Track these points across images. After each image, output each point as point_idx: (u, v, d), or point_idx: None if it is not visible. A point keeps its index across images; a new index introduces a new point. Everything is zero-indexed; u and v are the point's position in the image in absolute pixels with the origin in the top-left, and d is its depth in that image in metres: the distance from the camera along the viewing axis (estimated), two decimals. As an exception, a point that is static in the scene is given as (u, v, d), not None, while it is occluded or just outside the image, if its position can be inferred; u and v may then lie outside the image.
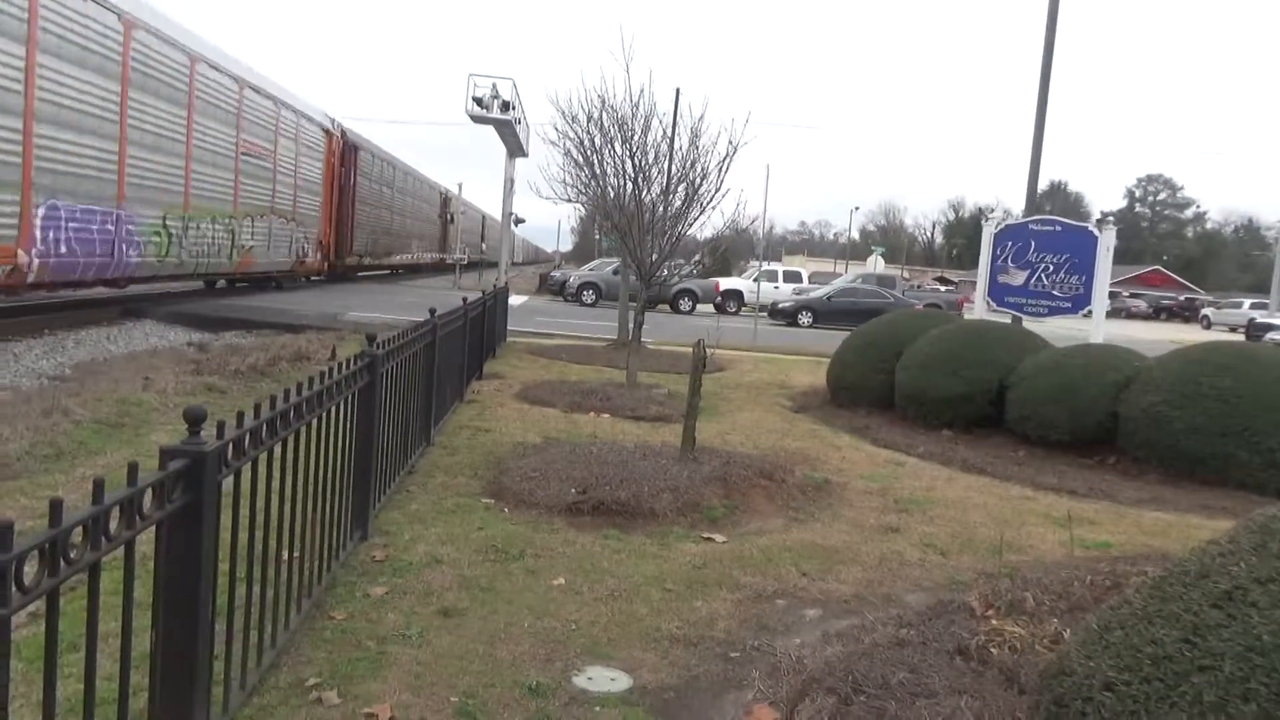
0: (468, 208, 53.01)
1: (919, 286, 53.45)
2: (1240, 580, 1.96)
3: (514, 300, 26.62)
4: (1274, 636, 1.75)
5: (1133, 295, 63.63)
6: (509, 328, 16.03)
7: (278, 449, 3.07)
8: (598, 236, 36.46)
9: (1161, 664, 1.92)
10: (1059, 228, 11.66)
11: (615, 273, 22.82)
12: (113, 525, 1.90)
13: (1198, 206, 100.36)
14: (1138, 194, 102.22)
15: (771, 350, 17.51)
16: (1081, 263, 11.17)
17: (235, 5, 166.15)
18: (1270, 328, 31.85)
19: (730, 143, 10.33)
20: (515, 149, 31.41)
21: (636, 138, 10.56)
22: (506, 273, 33.95)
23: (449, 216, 45.87)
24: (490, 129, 29.85)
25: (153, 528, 2.17)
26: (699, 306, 30.08)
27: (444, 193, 46.21)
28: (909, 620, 3.95)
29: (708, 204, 10.54)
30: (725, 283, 32.47)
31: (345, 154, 25.37)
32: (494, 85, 27.74)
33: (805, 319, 27.63)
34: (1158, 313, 59.24)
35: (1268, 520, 2.16)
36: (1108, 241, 11.19)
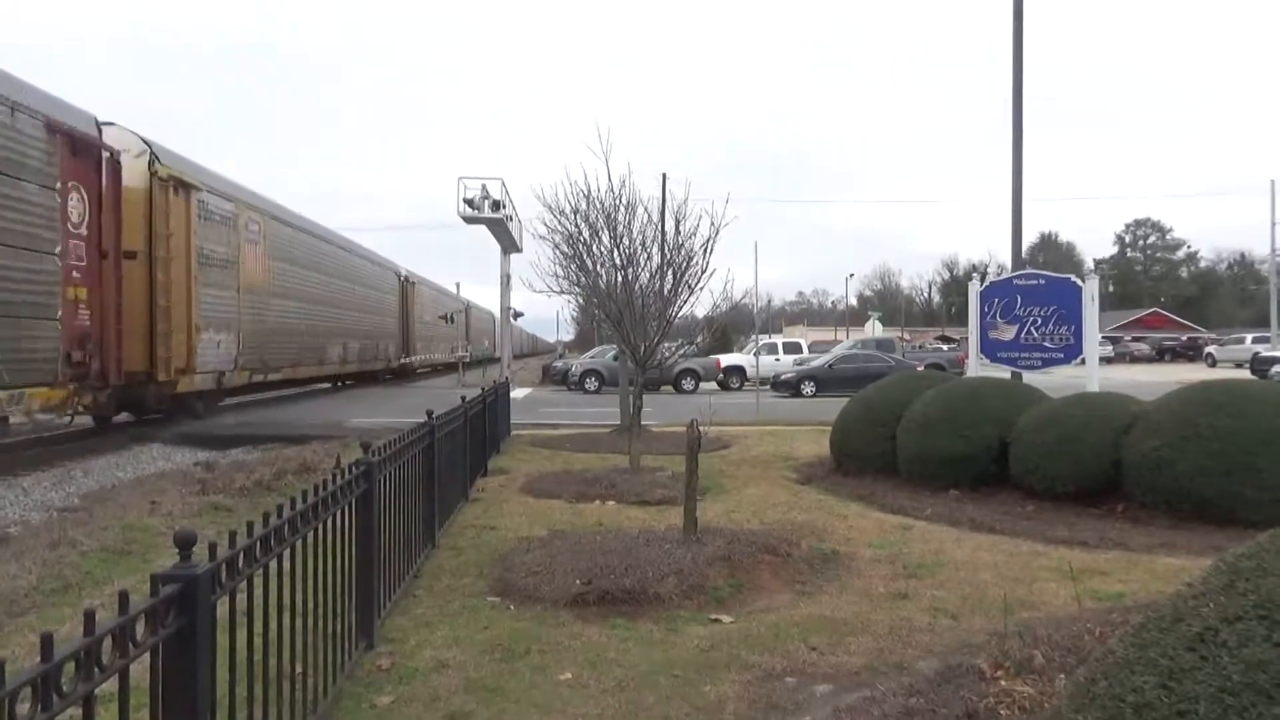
0: (473, 306, 52.78)
1: (921, 346, 53.65)
2: (1211, 621, 1.99)
3: (518, 393, 26.79)
4: (1243, 675, 1.78)
5: (1135, 339, 63.76)
6: (513, 421, 16.12)
7: (274, 565, 3.12)
8: (593, 325, 36.38)
9: (1142, 712, 1.94)
10: (1042, 280, 11.84)
11: (616, 359, 23.03)
12: (105, 655, 1.95)
13: (1189, 246, 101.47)
14: (1128, 239, 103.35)
15: (776, 423, 17.54)
16: (1069, 313, 11.31)
17: (234, 124, 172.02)
18: (1275, 361, 31.77)
19: (712, 224, 10.60)
20: (509, 246, 31.99)
21: (621, 227, 10.84)
22: (509, 366, 34.19)
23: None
24: (483, 228, 30.48)
25: (148, 655, 2.21)
26: (702, 384, 30.22)
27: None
28: (919, 688, 3.92)
29: (695, 285, 10.75)
30: (726, 359, 32.67)
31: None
32: (483, 186, 28.42)
33: (808, 389, 27.72)
34: (1161, 354, 59.20)
35: (1236, 559, 2.20)
36: (1091, 290, 11.35)
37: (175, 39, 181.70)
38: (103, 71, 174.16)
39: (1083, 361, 11.37)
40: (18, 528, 8.55)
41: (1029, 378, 11.61)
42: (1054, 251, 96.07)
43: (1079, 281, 11.63)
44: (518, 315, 37.37)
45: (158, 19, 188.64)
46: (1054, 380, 12.42)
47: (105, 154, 13.59)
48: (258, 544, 2.92)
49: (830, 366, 28.96)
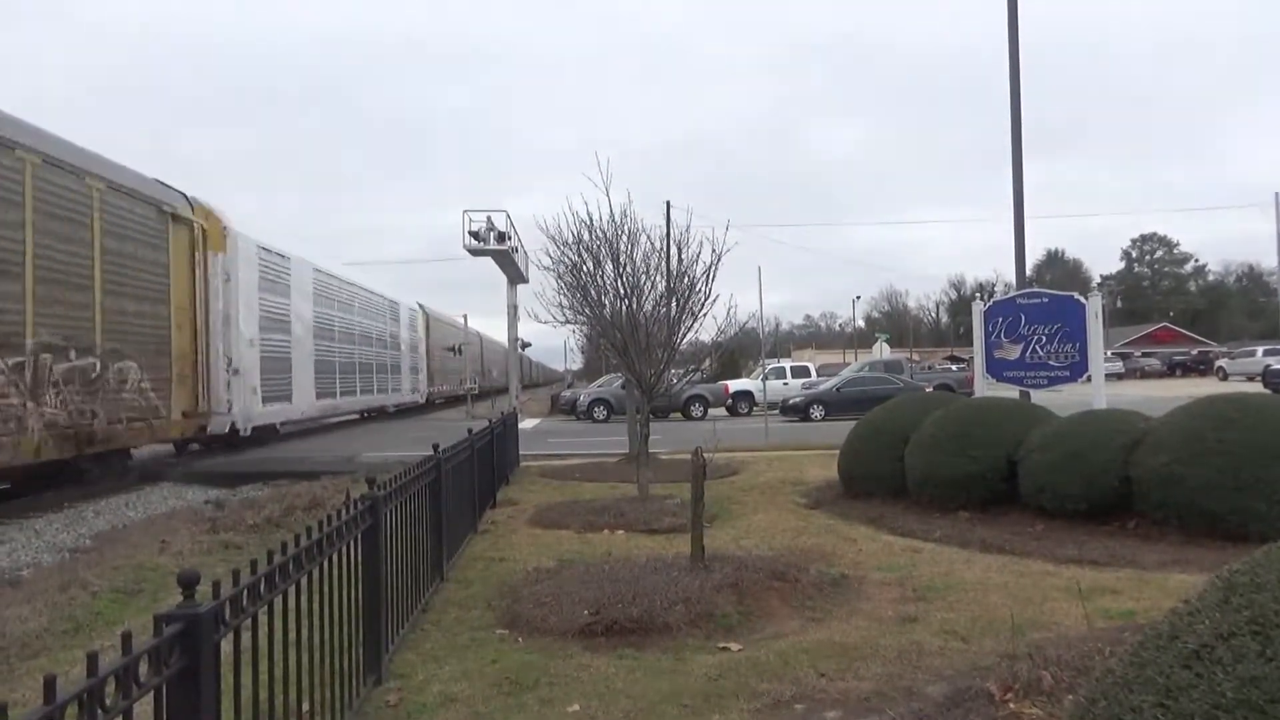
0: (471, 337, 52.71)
1: (929, 367, 53.50)
2: (1205, 638, 1.99)
3: (527, 424, 26.79)
4: (1237, 692, 1.78)
5: (1145, 354, 63.51)
6: (522, 452, 16.12)
7: (279, 602, 3.14)
8: (599, 354, 36.40)
9: (1140, 732, 1.94)
10: (1046, 299, 11.85)
11: (624, 387, 23.05)
12: (108, 697, 1.97)
13: (1196, 260, 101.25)
14: (1134, 254, 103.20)
15: (784, 448, 17.50)
16: (1073, 330, 11.30)
17: (237, 170, 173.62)
18: (1287, 372, 31.58)
19: (714, 252, 10.66)
20: (515, 277, 32.14)
21: (624, 256, 10.90)
22: (518, 397, 34.22)
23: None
24: (489, 260, 30.65)
25: (151, 695, 2.23)
26: (711, 410, 30.20)
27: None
28: (928, 713, 3.90)
29: (698, 313, 10.79)
30: (735, 384, 32.71)
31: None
32: (488, 218, 28.62)
33: (817, 412, 27.68)
34: (1172, 369, 58.90)
35: (1231, 574, 2.20)
36: (1095, 307, 11.34)
37: (183, 81, 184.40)
38: (107, 109, 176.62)
39: (1088, 379, 11.33)
40: (29, 570, 8.60)
41: (1036, 396, 11.57)
42: (1061, 269, 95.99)
43: (1082, 299, 11.62)
44: (526, 346, 37.50)
45: (164, 56, 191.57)
46: (1061, 398, 12.38)
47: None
48: (261, 581, 2.95)
49: (838, 389, 28.93)
